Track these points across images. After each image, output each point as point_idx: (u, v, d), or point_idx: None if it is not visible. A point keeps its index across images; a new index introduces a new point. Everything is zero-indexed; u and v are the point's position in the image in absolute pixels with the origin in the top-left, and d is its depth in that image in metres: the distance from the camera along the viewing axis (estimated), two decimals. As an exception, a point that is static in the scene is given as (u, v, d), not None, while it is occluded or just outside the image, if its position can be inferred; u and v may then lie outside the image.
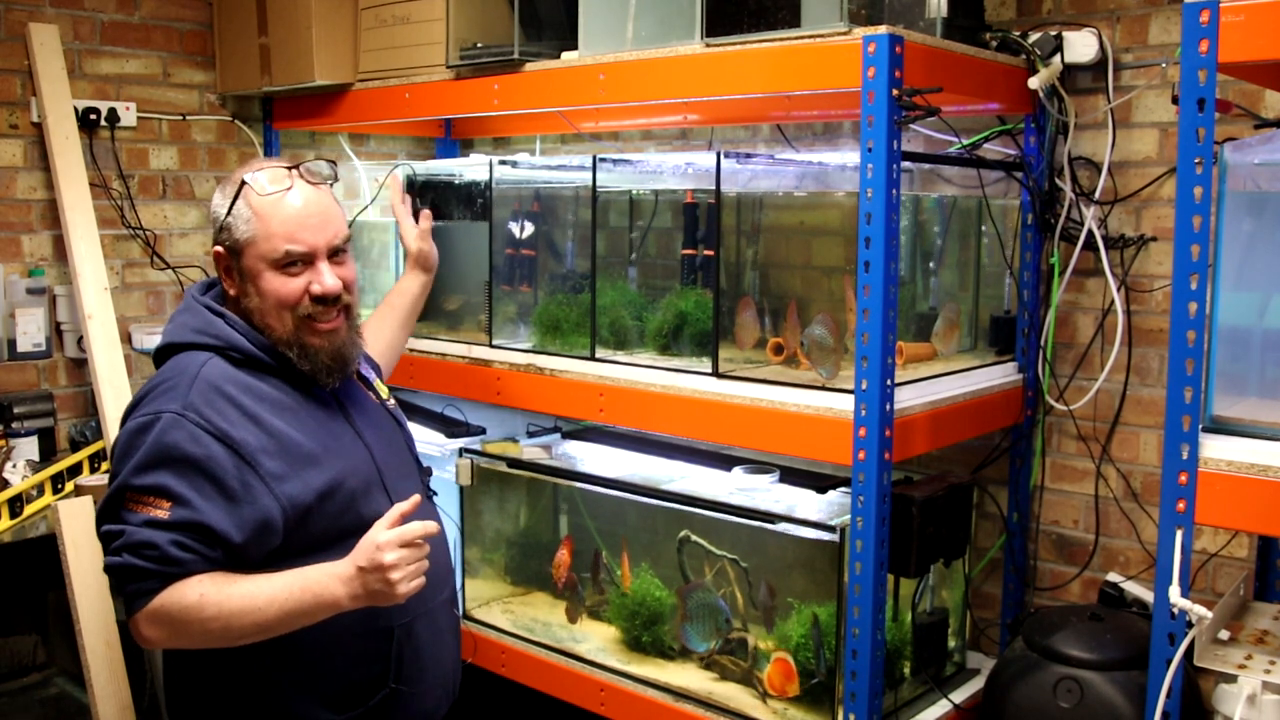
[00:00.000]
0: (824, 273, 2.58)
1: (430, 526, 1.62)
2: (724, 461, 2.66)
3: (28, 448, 2.96)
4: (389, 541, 1.58)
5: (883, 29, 1.96)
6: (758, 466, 2.56)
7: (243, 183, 1.72)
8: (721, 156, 2.31)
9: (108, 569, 1.60)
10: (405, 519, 1.62)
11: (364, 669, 1.73)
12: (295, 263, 1.71)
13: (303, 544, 1.66)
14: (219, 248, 1.75)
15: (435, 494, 1.96)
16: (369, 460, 1.78)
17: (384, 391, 1.97)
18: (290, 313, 1.71)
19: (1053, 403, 2.59)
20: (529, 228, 2.83)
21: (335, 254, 1.75)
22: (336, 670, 1.71)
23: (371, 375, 1.97)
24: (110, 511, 1.61)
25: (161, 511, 1.57)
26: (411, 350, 2.95)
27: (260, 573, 1.62)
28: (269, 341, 1.73)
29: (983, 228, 2.58)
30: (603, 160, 2.59)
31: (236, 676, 1.69)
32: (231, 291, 1.76)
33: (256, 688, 1.69)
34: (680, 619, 2.52)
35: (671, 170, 2.71)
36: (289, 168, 1.75)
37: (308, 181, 1.75)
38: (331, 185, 1.81)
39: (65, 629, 2.88)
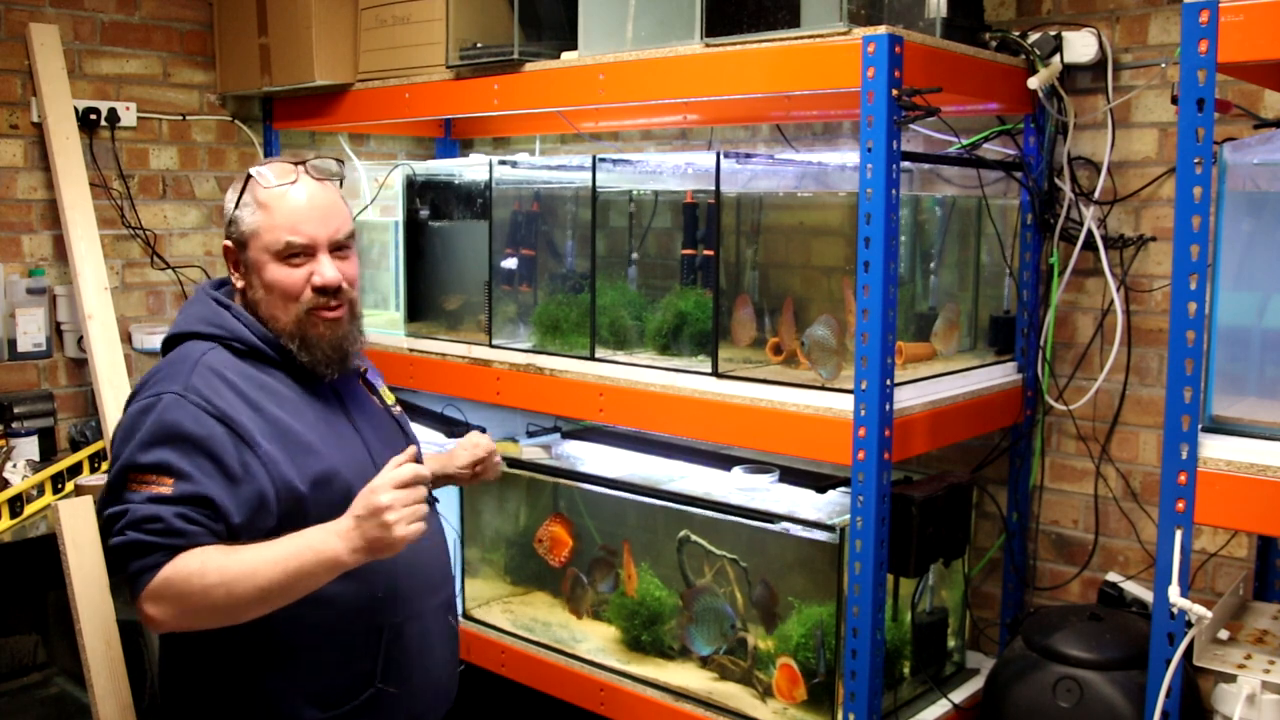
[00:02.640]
0: (823, 273, 2.58)
1: (422, 471, 1.61)
2: (724, 461, 2.66)
3: (28, 448, 2.96)
4: (383, 484, 1.59)
5: (882, 29, 1.96)
6: (758, 466, 2.57)
7: (249, 176, 1.76)
8: (721, 156, 2.31)
9: (112, 549, 1.60)
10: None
11: (352, 667, 1.73)
12: (297, 254, 1.73)
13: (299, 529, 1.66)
14: (227, 241, 1.79)
15: (437, 500, 1.96)
16: (366, 456, 1.79)
17: (389, 398, 1.99)
18: (295, 304, 1.74)
19: (1052, 402, 2.59)
20: (512, 262, 2.84)
21: (338, 249, 1.78)
22: (325, 667, 1.71)
23: (378, 382, 1.99)
24: (113, 494, 1.62)
25: (165, 488, 1.58)
26: (411, 350, 2.96)
27: None
28: (273, 334, 1.76)
29: (982, 228, 2.58)
30: (603, 160, 2.59)
31: (226, 673, 1.71)
32: (239, 284, 1.79)
33: (245, 684, 1.70)
34: (685, 621, 2.52)
35: (671, 170, 2.71)
36: (295, 163, 1.78)
37: (313, 177, 1.78)
38: (339, 183, 1.85)
39: (65, 629, 2.88)
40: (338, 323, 1.77)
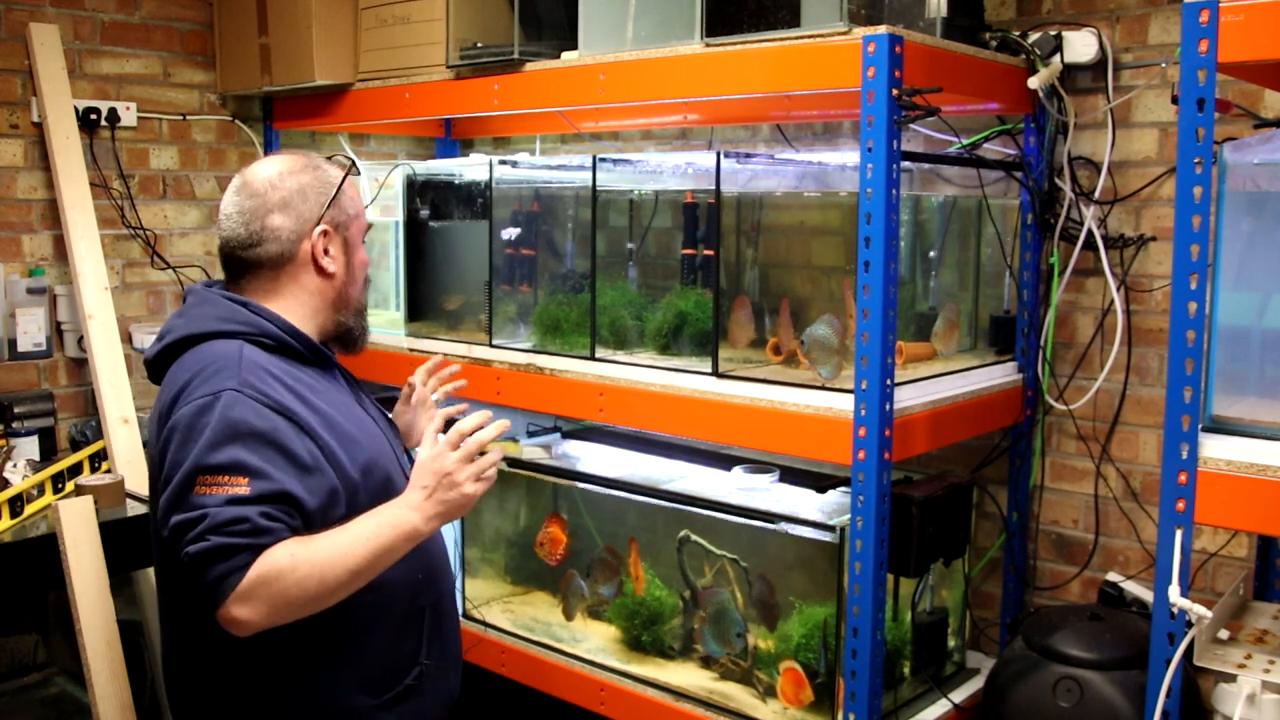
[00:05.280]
0: (823, 273, 2.58)
1: (466, 427, 1.69)
2: (724, 461, 2.66)
3: (28, 447, 2.96)
4: (441, 450, 1.67)
5: (882, 29, 1.96)
6: (758, 466, 2.57)
7: (352, 162, 1.91)
8: (721, 156, 2.31)
9: (193, 557, 1.52)
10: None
11: (401, 647, 1.79)
12: None
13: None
14: (326, 226, 1.78)
15: None
16: (385, 441, 1.85)
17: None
18: (364, 283, 1.90)
19: (1052, 402, 2.59)
20: (513, 232, 2.84)
21: None
22: (377, 652, 1.75)
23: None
24: (180, 500, 1.56)
25: (241, 488, 1.54)
26: (411, 350, 2.95)
27: None
28: (299, 327, 1.78)
29: (982, 228, 2.58)
30: (603, 160, 2.59)
31: (274, 671, 1.68)
32: (331, 268, 1.79)
33: (296, 680, 1.68)
34: (701, 622, 2.51)
35: (671, 170, 2.71)
36: (330, 156, 1.92)
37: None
38: None
39: (65, 628, 2.88)
40: None
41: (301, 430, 1.63)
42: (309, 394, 1.70)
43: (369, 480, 1.72)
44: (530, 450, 2.92)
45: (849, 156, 2.26)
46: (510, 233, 2.84)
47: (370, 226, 1.92)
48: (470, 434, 1.68)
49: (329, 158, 1.86)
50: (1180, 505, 1.71)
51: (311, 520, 1.60)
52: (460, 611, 2.93)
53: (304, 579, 1.54)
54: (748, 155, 2.56)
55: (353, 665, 1.72)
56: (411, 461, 1.94)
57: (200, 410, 1.58)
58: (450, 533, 2.94)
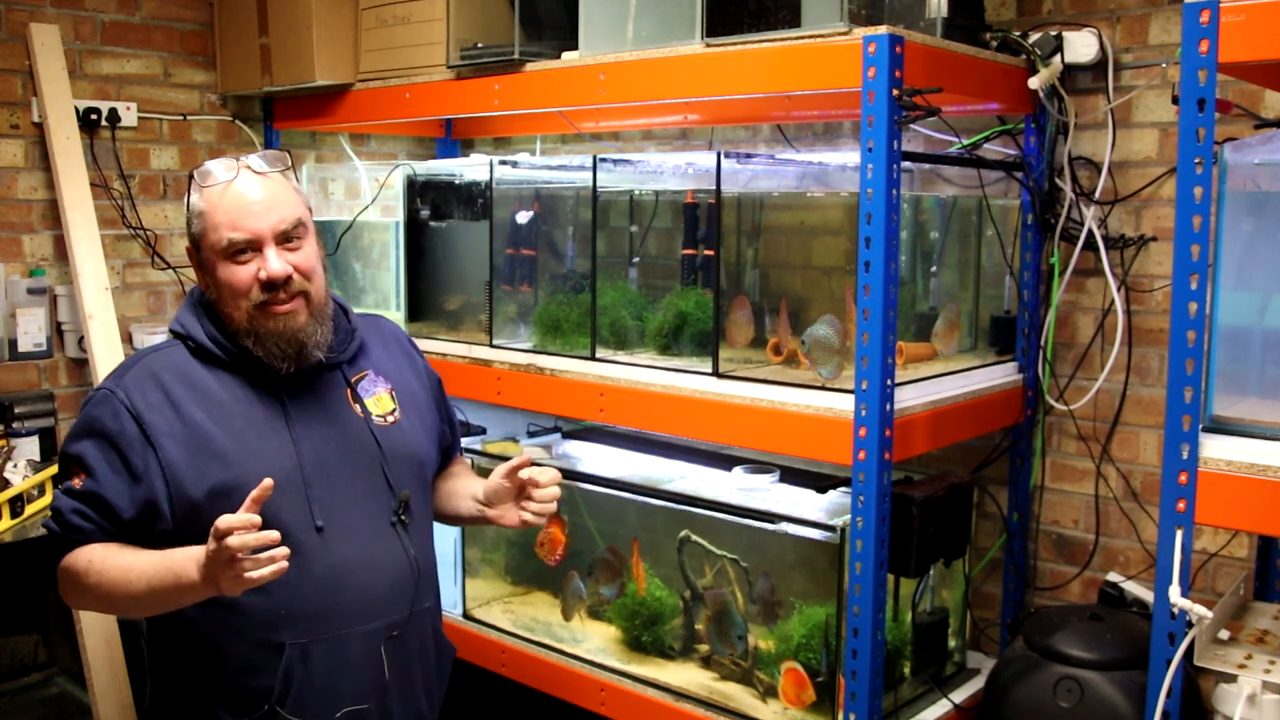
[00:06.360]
0: (823, 273, 2.58)
1: (237, 522, 1.47)
2: (724, 461, 2.66)
3: (28, 447, 2.95)
4: (221, 528, 1.48)
5: (883, 29, 1.96)
6: (758, 466, 2.57)
7: (191, 178, 1.76)
8: (721, 156, 2.31)
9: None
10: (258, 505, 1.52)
11: (253, 679, 1.69)
12: (243, 251, 1.72)
13: (199, 538, 1.57)
14: (188, 244, 1.81)
15: (405, 520, 1.81)
16: (294, 467, 1.72)
17: (379, 408, 1.87)
18: (245, 300, 1.72)
19: (1053, 402, 2.59)
20: (527, 215, 2.84)
21: (286, 240, 1.74)
22: (231, 672, 1.70)
23: (373, 388, 1.89)
24: (57, 479, 1.78)
25: (77, 481, 1.69)
26: (412, 350, 2.95)
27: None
28: (230, 332, 1.76)
29: (983, 228, 2.58)
30: (603, 160, 2.59)
31: (173, 662, 1.77)
32: (202, 285, 1.81)
33: (182, 674, 1.76)
34: (706, 621, 2.51)
35: (671, 170, 2.71)
36: (235, 159, 1.77)
37: (254, 171, 1.75)
38: (293, 173, 1.82)
39: (66, 628, 2.88)
40: (291, 315, 1.74)
41: (147, 441, 1.68)
42: (195, 403, 1.71)
43: (223, 502, 1.60)
44: (530, 450, 2.92)
45: (849, 156, 2.26)
46: (524, 215, 2.83)
47: (230, 242, 1.70)
48: (229, 533, 1.47)
49: (236, 159, 1.76)
50: (1180, 505, 1.71)
51: (129, 526, 1.68)
52: (461, 613, 2.93)
53: (94, 587, 1.66)
54: (748, 155, 2.56)
55: (213, 674, 1.71)
56: (390, 488, 1.83)
57: (83, 403, 1.75)
58: (450, 532, 2.94)
